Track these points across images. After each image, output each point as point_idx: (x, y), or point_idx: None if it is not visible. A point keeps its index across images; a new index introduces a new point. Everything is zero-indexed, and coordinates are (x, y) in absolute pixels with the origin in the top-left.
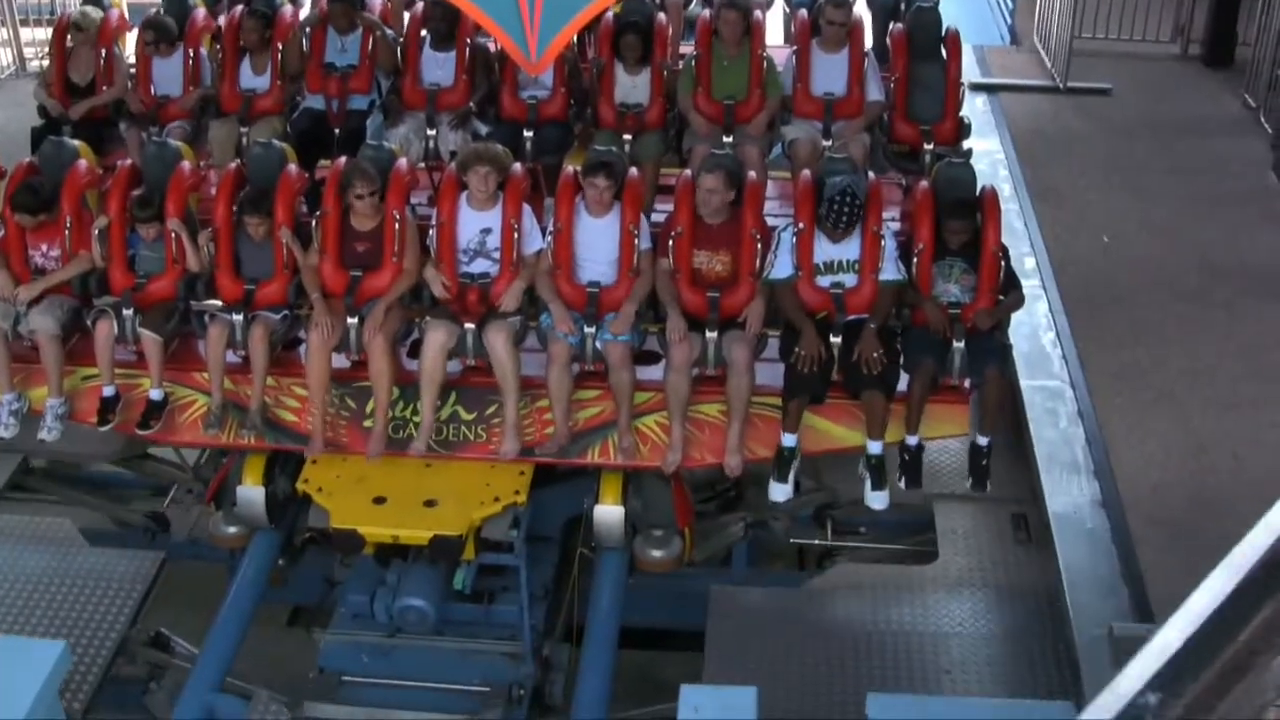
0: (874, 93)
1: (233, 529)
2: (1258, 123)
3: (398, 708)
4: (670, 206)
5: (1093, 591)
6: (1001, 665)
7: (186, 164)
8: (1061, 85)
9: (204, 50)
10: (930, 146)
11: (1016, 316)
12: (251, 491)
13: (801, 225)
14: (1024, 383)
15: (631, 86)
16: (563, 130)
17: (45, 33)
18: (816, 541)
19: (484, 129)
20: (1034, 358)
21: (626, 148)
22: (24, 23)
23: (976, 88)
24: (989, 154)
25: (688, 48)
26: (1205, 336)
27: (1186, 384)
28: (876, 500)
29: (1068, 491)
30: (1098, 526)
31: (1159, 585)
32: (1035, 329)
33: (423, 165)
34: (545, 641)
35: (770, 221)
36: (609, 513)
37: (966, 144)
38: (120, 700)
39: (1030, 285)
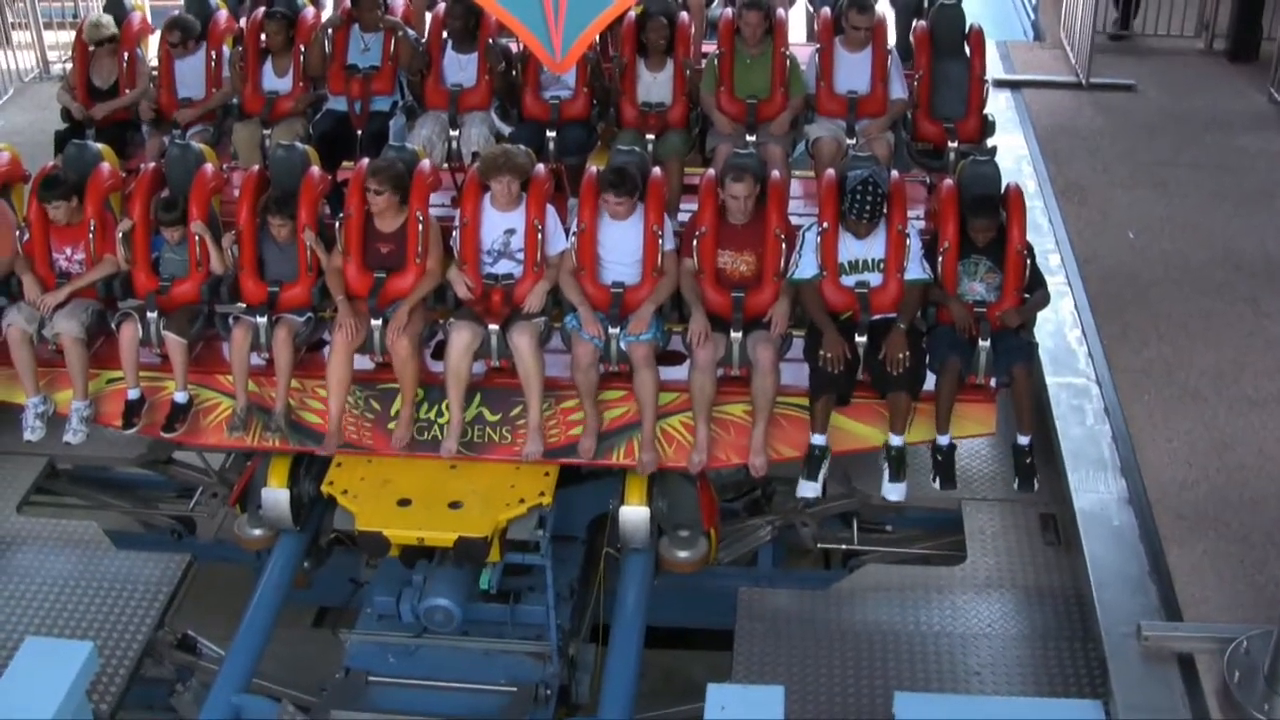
0: (897, 91)
1: (258, 531)
2: None
3: (424, 708)
4: (695, 206)
5: (1120, 590)
6: (1030, 666)
7: (209, 166)
8: (1085, 81)
9: (226, 51)
10: (954, 144)
11: (1042, 314)
12: (276, 494)
13: (825, 225)
14: (1050, 380)
15: (654, 85)
16: (586, 130)
17: (69, 36)
18: (844, 547)
19: (506, 129)
20: (1059, 354)
21: (649, 147)
22: (47, 26)
23: (1000, 84)
24: (1012, 150)
25: (710, 46)
26: (1231, 332)
27: (1212, 380)
28: (893, 492)
29: (1094, 489)
30: (1124, 524)
31: (1186, 583)
32: (1060, 326)
33: (445, 166)
34: (571, 641)
35: (794, 221)
36: (634, 514)
37: (990, 141)
38: (147, 701)
39: (1055, 282)
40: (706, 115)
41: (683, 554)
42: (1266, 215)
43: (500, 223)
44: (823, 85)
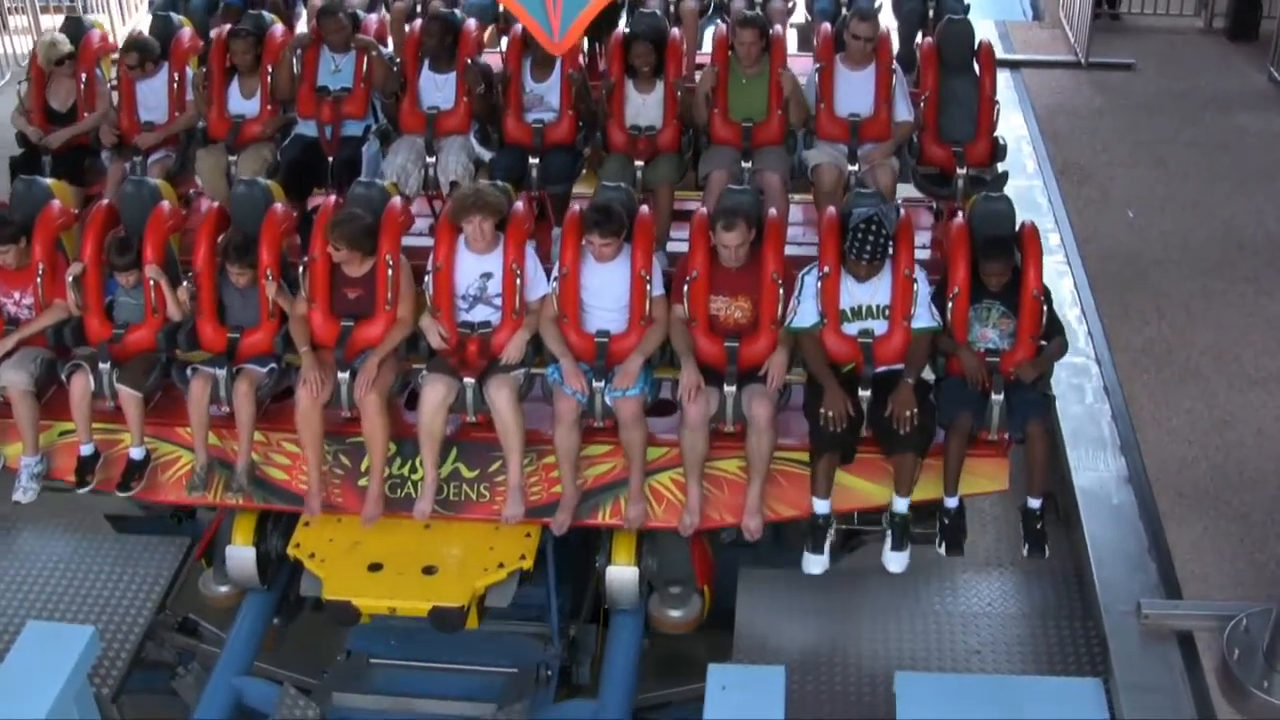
0: (903, 113)
1: (224, 588)
2: None
3: (425, 690)
4: (686, 232)
5: (1120, 568)
6: (1030, 644)
7: (166, 204)
8: (1084, 60)
9: (190, 72)
10: (963, 170)
11: None
12: (242, 552)
13: (827, 269)
14: None
15: (643, 106)
16: (571, 156)
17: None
18: (844, 527)
19: (487, 155)
20: None
21: (638, 174)
22: (44, 9)
23: (999, 63)
24: (1012, 130)
25: (705, 58)
26: (1230, 311)
27: (1212, 359)
28: (894, 562)
29: (1094, 467)
30: (1124, 502)
31: (1186, 561)
32: (1060, 305)
33: (421, 193)
34: (572, 623)
35: (791, 250)
36: (622, 574)
37: (1001, 166)
38: (149, 684)
39: (1055, 261)
40: (699, 132)
41: (674, 613)
42: (1266, 194)
43: (476, 266)
44: (823, 107)
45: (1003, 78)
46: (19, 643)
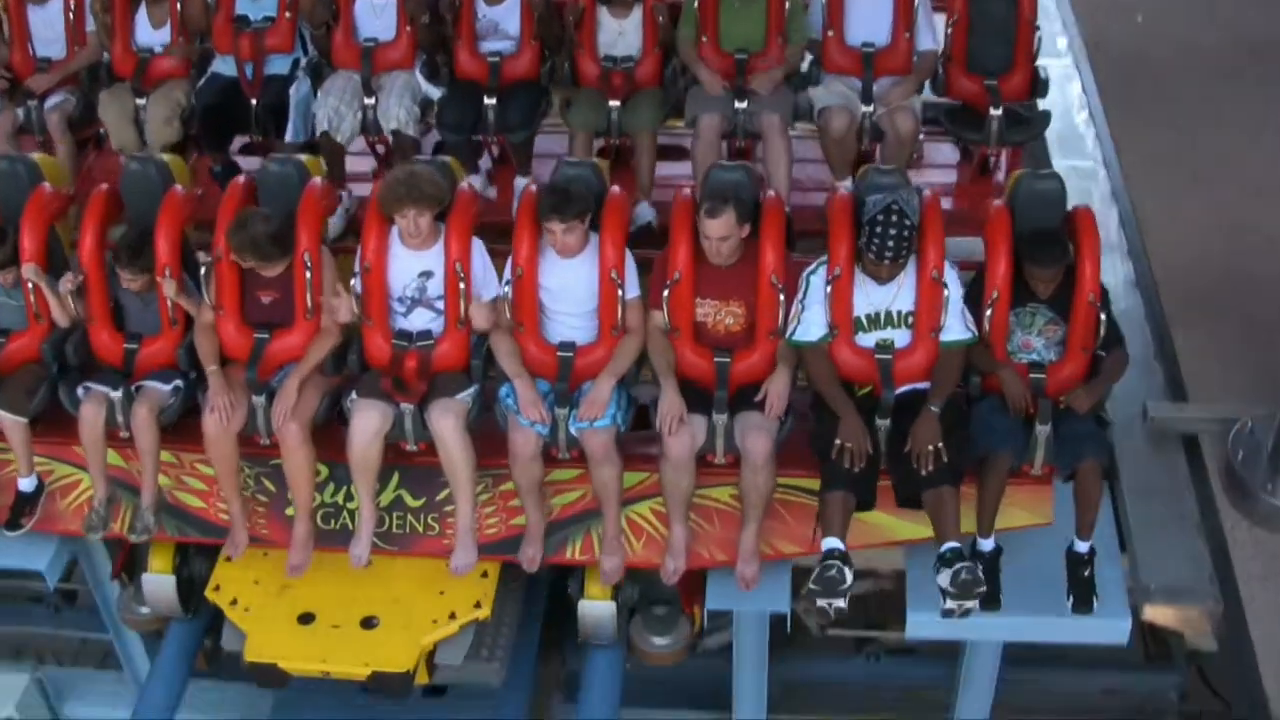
0: (926, 40)
1: (146, 609)
2: None
3: None
4: (676, 169)
5: (1126, 371)
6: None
7: (47, 185)
8: None
9: None
10: (997, 111)
11: (1049, 97)
12: (160, 580)
13: (838, 270)
14: (1057, 163)
15: (619, 34)
16: (534, 94)
17: None
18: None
19: (435, 92)
20: (1067, 138)
21: (614, 115)
22: None
23: None
24: None
25: None
26: (1240, 117)
27: (1220, 165)
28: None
29: (1101, 272)
30: (1131, 306)
31: (1192, 365)
32: (1068, 108)
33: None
34: None
35: (797, 199)
36: (597, 609)
37: (1042, 103)
38: None
39: (1062, 65)
40: (687, 66)
41: (659, 640)
42: None
43: (413, 264)
44: (831, 35)
45: None
46: None
